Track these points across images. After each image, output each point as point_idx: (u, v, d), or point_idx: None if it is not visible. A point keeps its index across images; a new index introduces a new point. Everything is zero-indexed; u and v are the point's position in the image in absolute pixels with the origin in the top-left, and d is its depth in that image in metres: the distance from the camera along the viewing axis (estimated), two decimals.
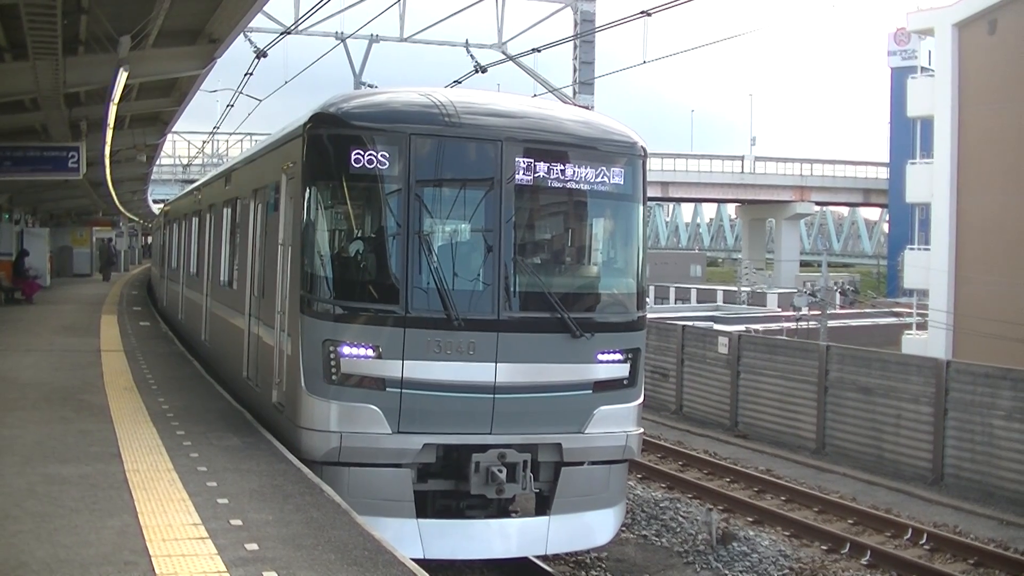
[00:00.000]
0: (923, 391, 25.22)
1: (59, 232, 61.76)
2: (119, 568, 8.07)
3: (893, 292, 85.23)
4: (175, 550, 8.54)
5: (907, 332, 55.83)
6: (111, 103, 19.07)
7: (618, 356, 13.21)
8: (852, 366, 27.45)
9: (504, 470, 12.40)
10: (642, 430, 13.90)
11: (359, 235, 13.00)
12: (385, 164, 12.25)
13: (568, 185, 12.99)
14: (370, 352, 12.16)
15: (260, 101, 37.71)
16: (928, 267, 51.67)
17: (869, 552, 18.51)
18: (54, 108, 21.81)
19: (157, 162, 48.80)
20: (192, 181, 50.98)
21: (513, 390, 12.54)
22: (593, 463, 13.30)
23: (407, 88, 13.43)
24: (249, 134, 67.60)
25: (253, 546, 8.72)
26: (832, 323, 53.35)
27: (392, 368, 12.12)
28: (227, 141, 74.74)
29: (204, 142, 76.65)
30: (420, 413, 12.22)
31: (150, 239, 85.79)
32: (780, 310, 69.80)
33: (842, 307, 69.89)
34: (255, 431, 13.92)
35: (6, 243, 41.05)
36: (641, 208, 13.77)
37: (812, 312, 54.47)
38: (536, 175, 12.72)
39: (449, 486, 12.73)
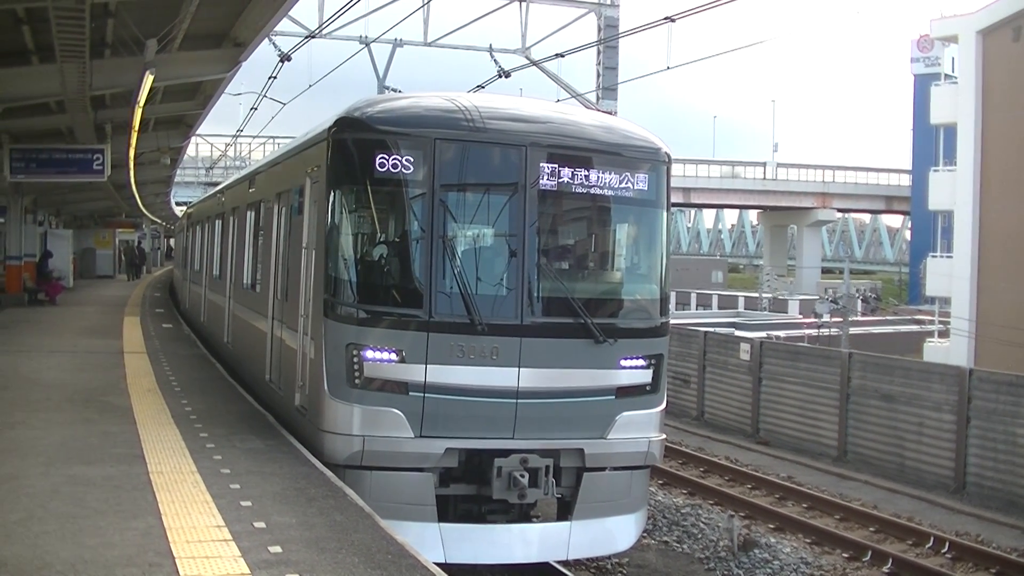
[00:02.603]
0: (946, 399, 25.14)
1: (82, 234, 62.01)
2: (144, 570, 8.08)
3: (915, 299, 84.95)
4: (199, 552, 8.55)
5: (929, 340, 55.63)
6: (136, 106, 19.16)
7: (641, 362, 13.16)
8: (874, 373, 27.37)
9: (526, 475, 12.35)
10: (664, 436, 13.88)
11: (383, 239, 12.97)
12: (409, 168, 12.20)
13: (591, 191, 12.93)
14: (393, 356, 12.12)
15: (284, 104, 37.78)
16: (950, 275, 51.52)
17: (891, 560, 18.45)
18: (80, 111, 21.93)
19: (180, 165, 48.90)
20: (215, 184, 51.13)
21: (536, 395, 12.47)
22: (615, 469, 13.26)
23: (431, 93, 13.41)
24: (272, 137, 67.83)
25: (277, 549, 8.73)
26: (853, 330, 53.20)
27: (415, 372, 12.10)
28: (250, 144, 74.88)
29: (227, 145, 76.78)
30: (443, 417, 12.20)
31: (172, 241, 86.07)
32: (801, 317, 69.59)
33: (864, 314, 69.61)
34: (278, 434, 13.94)
35: (30, 245, 41.20)
36: (664, 214, 13.72)
37: (834, 319, 54.27)
38: (560, 180, 12.68)
39: (471, 490, 12.71)
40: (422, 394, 12.14)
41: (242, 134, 57.02)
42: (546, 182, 12.61)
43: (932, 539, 19.74)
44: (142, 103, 19.08)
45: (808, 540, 19.85)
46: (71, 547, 8.55)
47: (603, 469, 13.16)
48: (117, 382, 17.92)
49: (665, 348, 13.69)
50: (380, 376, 12.16)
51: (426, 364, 12.11)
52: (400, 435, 12.10)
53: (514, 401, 12.41)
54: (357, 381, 12.15)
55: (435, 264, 12.25)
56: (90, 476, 11.04)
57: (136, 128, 22.33)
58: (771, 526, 20.63)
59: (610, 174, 12.99)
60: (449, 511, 12.67)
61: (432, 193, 12.23)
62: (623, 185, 13.08)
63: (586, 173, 12.84)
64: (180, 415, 14.87)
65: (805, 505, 22.49)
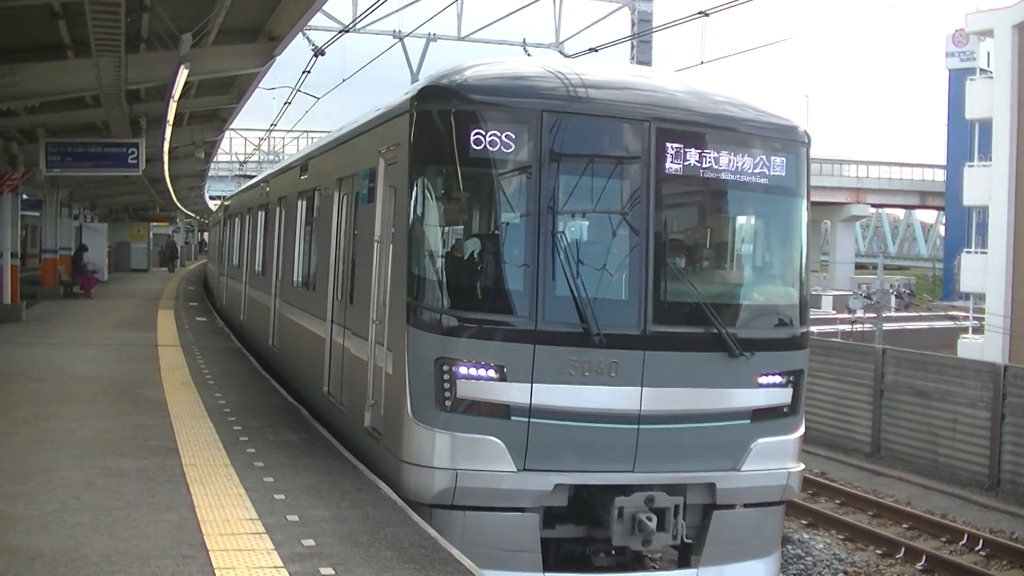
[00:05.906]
0: (980, 395, 24.98)
1: (117, 227, 62.52)
2: (177, 561, 8.13)
3: (949, 295, 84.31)
4: (232, 544, 8.60)
5: (963, 336, 55.22)
6: (171, 100, 19.24)
7: (779, 379, 11.17)
8: (908, 369, 27.23)
9: (654, 517, 10.32)
10: (803, 466, 11.78)
11: (479, 231, 11.04)
12: (511, 147, 10.28)
13: (724, 176, 10.97)
14: (492, 373, 10.19)
15: (317, 99, 37.91)
16: (985, 270, 51.16)
17: (924, 557, 18.37)
18: (115, 105, 22.03)
19: (214, 159, 49.09)
20: (249, 177, 51.25)
21: (661, 419, 10.57)
22: (748, 505, 11.24)
23: (529, 58, 11.77)
24: (306, 132, 68.00)
25: (310, 542, 8.76)
26: (887, 326, 52.90)
27: (519, 392, 10.18)
28: (284, 139, 75.18)
29: (261, 139, 77.02)
30: (551, 447, 10.30)
31: (206, 235, 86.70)
32: (835, 312, 69.25)
33: (897, 310, 69.22)
34: (311, 427, 13.98)
35: (65, 238, 41.51)
36: (805, 204, 11.69)
37: (867, 315, 53.97)
38: (687, 163, 10.72)
39: (581, 533, 10.79)
40: (527, 419, 10.22)
41: (276, 128, 57.12)
42: (673, 165, 10.67)
43: (966, 536, 19.64)
44: (177, 97, 19.16)
45: (841, 536, 19.79)
46: (106, 538, 8.61)
47: (734, 506, 11.15)
48: (151, 375, 18.03)
49: (806, 363, 11.71)
50: (476, 397, 10.22)
51: (532, 383, 10.20)
52: (500, 469, 10.18)
53: (635, 427, 10.48)
54: (448, 403, 10.19)
55: (543, 262, 10.27)
56: (124, 468, 11.11)
57: (171, 122, 22.45)
58: (804, 522, 20.57)
59: (745, 157, 11.03)
60: (550, 555, 10.63)
61: (539, 176, 10.32)
62: (760, 170, 11.12)
63: (717, 155, 10.88)
64: (214, 408, 14.96)
65: (838, 501, 22.42)
